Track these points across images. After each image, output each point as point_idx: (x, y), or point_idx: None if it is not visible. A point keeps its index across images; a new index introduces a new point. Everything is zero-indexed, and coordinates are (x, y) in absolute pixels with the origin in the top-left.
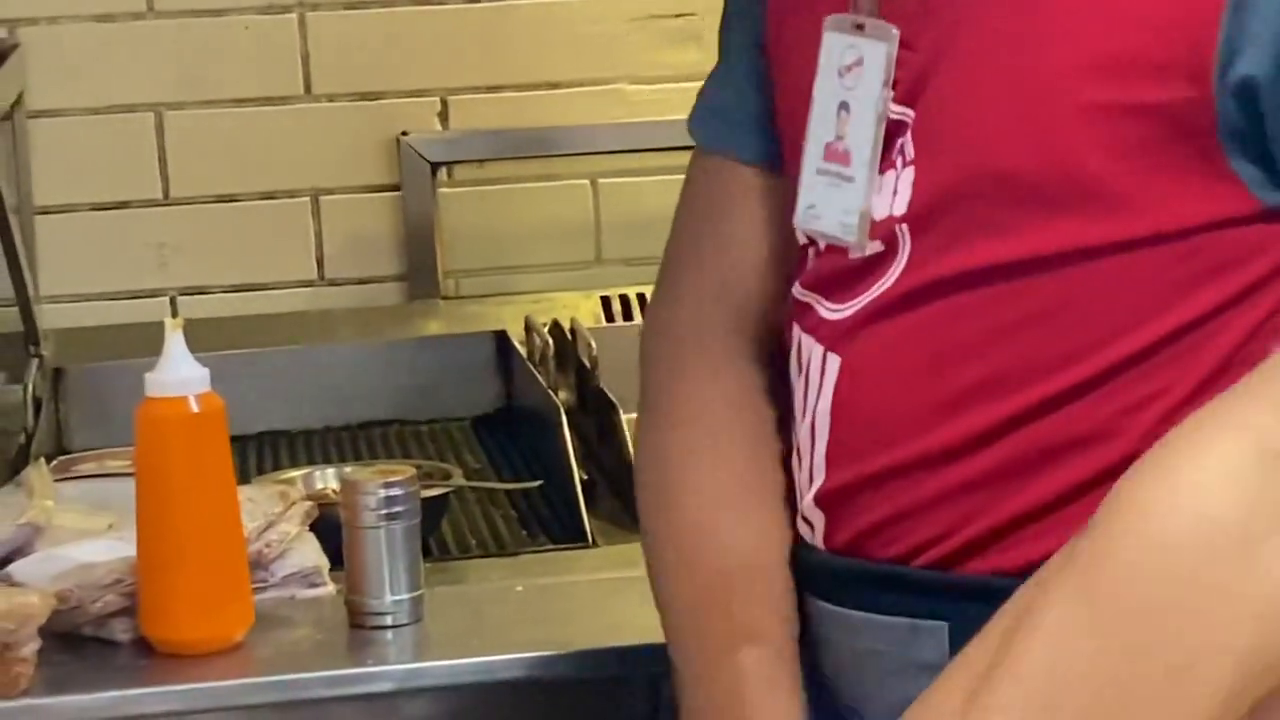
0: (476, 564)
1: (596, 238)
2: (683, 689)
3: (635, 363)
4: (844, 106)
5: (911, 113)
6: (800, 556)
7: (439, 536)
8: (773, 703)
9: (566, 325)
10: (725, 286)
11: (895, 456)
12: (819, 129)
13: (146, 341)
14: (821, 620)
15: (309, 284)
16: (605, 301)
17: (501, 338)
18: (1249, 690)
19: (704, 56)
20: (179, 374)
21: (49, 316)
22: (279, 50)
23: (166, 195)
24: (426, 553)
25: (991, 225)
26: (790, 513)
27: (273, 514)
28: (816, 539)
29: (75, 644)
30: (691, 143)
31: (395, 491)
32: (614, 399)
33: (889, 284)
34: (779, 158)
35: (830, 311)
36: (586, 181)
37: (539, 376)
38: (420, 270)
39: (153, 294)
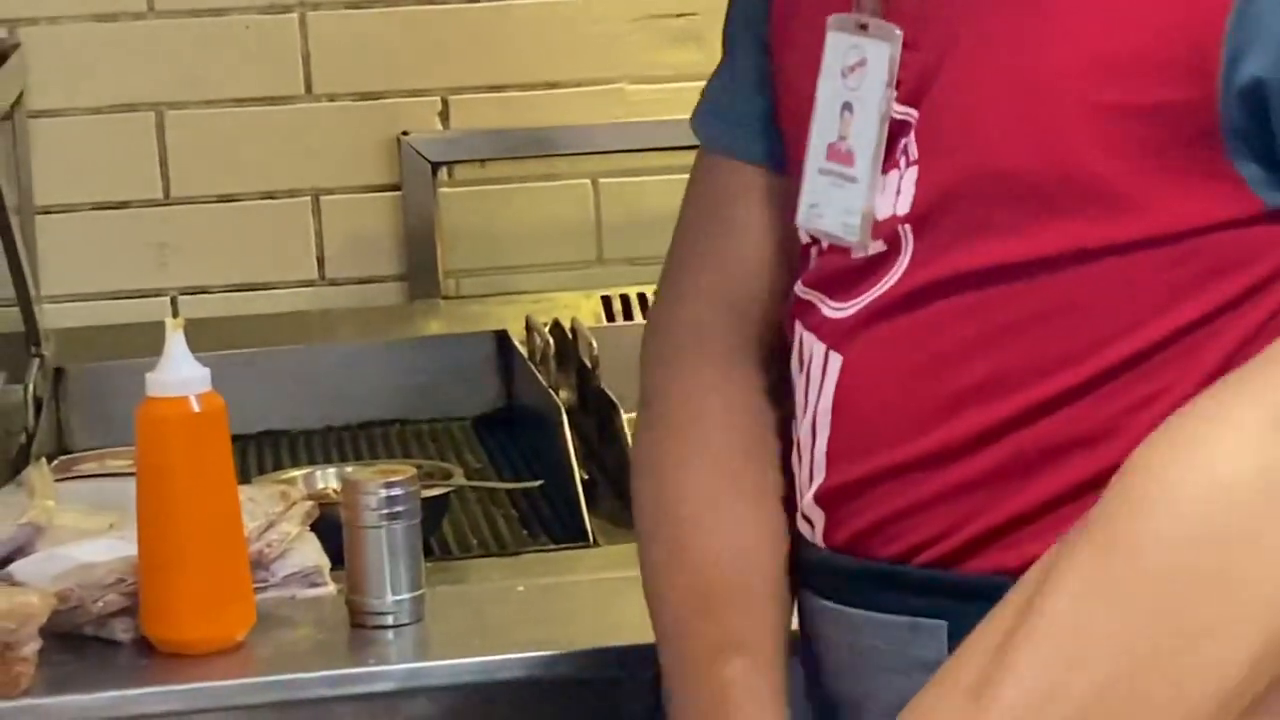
0: (477, 564)
1: (597, 237)
2: (670, 694)
3: (636, 362)
4: (847, 106)
5: (915, 113)
6: (800, 554)
7: (440, 536)
8: (757, 715)
9: (567, 325)
10: (728, 287)
11: (895, 455)
12: (822, 129)
13: (147, 341)
14: (820, 618)
15: (310, 284)
16: (606, 301)
17: (502, 337)
18: (1274, 654)
19: (705, 56)
20: (180, 374)
21: (50, 316)
22: (280, 50)
23: (167, 195)
24: (427, 552)
25: (993, 226)
26: (787, 516)
27: (273, 514)
28: (816, 537)
29: (76, 644)
30: (692, 142)
31: (396, 491)
32: (615, 399)
33: (891, 283)
34: (782, 157)
35: (832, 310)
36: (587, 181)
37: (540, 376)
38: (421, 270)
39: (153, 294)
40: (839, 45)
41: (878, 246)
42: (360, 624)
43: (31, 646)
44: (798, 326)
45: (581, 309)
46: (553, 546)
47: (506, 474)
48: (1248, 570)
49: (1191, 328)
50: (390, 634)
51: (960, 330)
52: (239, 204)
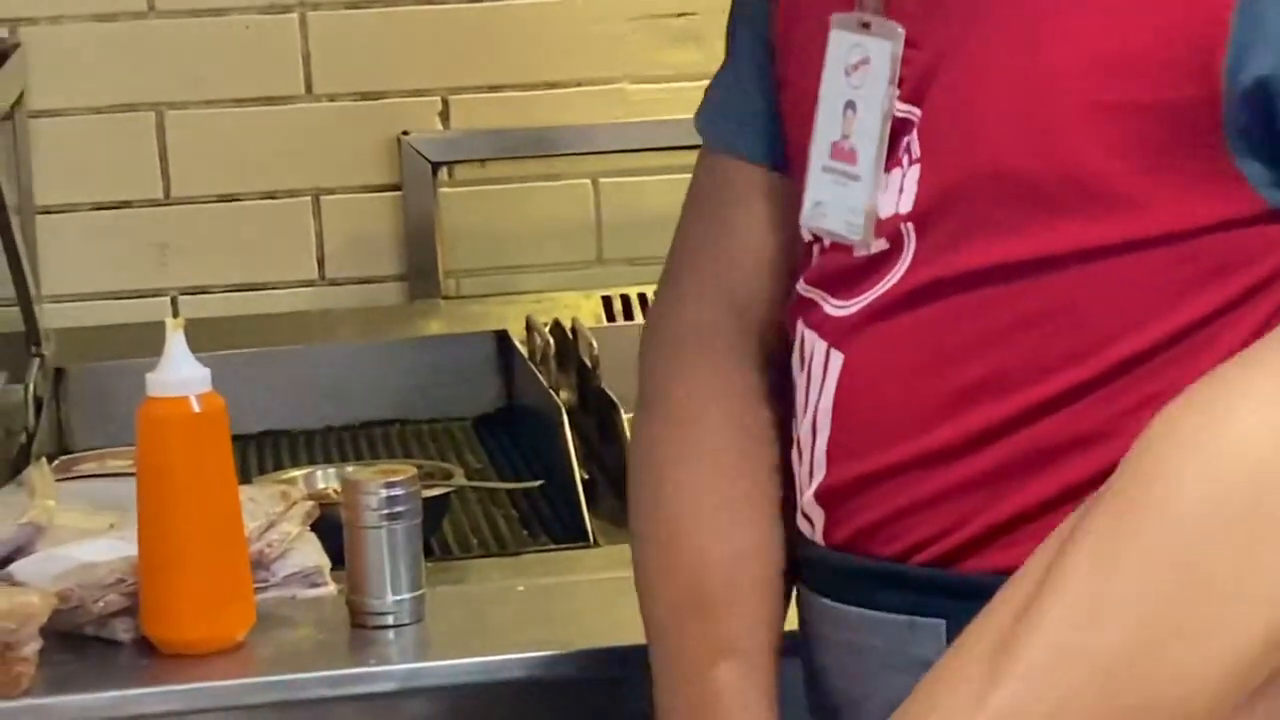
0: (478, 564)
1: (598, 237)
2: (658, 696)
3: (636, 362)
4: (850, 105)
5: (918, 111)
6: (800, 553)
7: (440, 536)
8: (745, 719)
9: (568, 325)
10: (728, 287)
11: (895, 454)
12: (825, 127)
13: (148, 341)
14: (820, 617)
15: (310, 284)
16: (606, 301)
17: (502, 337)
18: None
19: (705, 56)
20: (180, 374)
21: (50, 316)
22: (280, 50)
23: (167, 195)
24: (428, 552)
25: (994, 225)
26: (786, 517)
27: (274, 514)
28: (816, 535)
29: (77, 644)
30: (693, 142)
31: (396, 491)
32: (615, 399)
33: (893, 282)
34: (783, 157)
35: (834, 308)
36: (588, 181)
37: (540, 376)
38: (421, 270)
39: (154, 293)
40: (841, 43)
41: (880, 245)
42: (361, 624)
43: (32, 646)
44: (799, 324)
45: (582, 309)
46: (553, 546)
47: (507, 474)
48: (1268, 532)
49: (1193, 327)
50: (391, 634)
51: (961, 329)
52: (239, 204)
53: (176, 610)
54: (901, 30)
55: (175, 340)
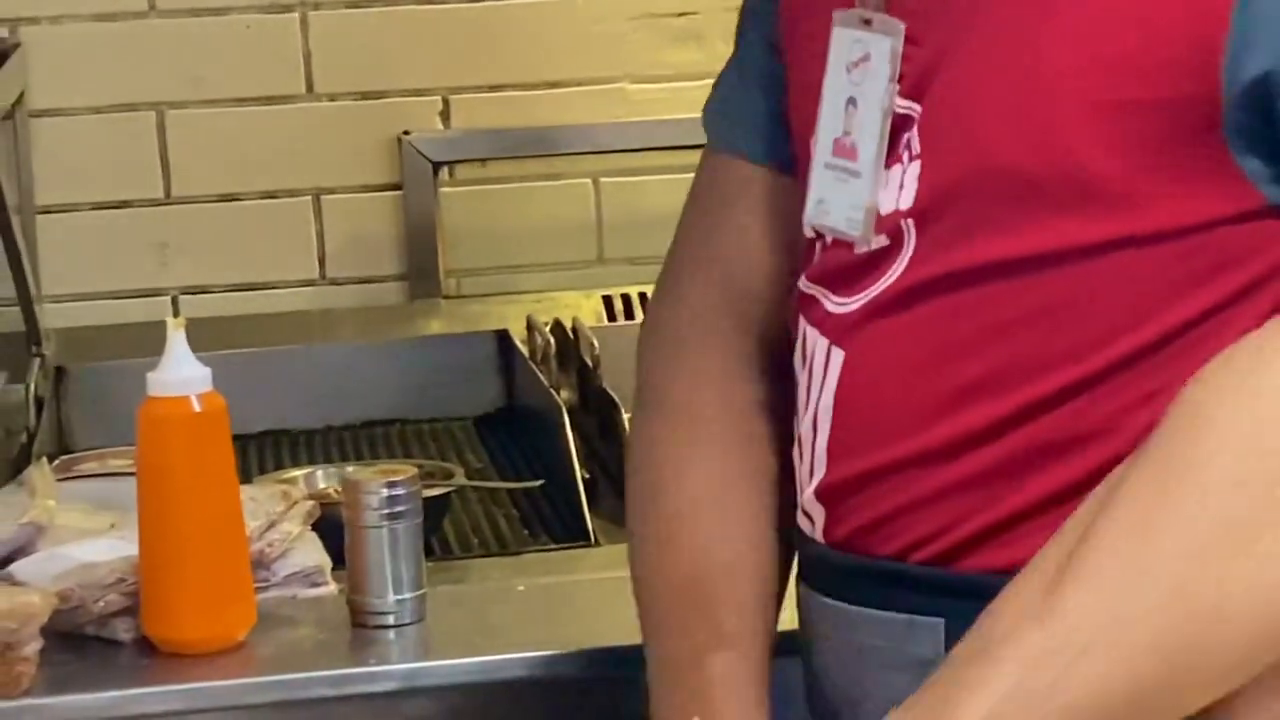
0: (478, 563)
1: (598, 237)
2: (652, 687)
3: (636, 360)
4: (852, 102)
5: (918, 108)
6: (800, 551)
7: (441, 536)
8: (738, 710)
9: (568, 324)
10: (729, 287)
11: (895, 452)
12: (828, 124)
13: (148, 341)
14: (820, 615)
15: (310, 283)
16: (607, 301)
17: (503, 337)
18: None
19: (706, 55)
20: (181, 373)
21: (51, 316)
22: (281, 49)
23: (168, 194)
24: (428, 552)
25: (994, 222)
26: (783, 518)
27: (275, 513)
28: (816, 533)
29: (77, 643)
30: (693, 141)
31: (397, 491)
32: (616, 398)
33: (893, 279)
34: (785, 158)
35: (835, 305)
36: (588, 180)
37: (541, 376)
38: (422, 269)
39: (154, 293)
40: (843, 40)
41: (880, 241)
42: (361, 624)
43: (33, 646)
44: (801, 322)
45: (582, 308)
46: (554, 546)
47: (508, 474)
48: None
49: (1192, 324)
50: (391, 634)
51: (961, 326)
52: (240, 203)
53: (177, 610)
54: (902, 26)
55: (176, 340)
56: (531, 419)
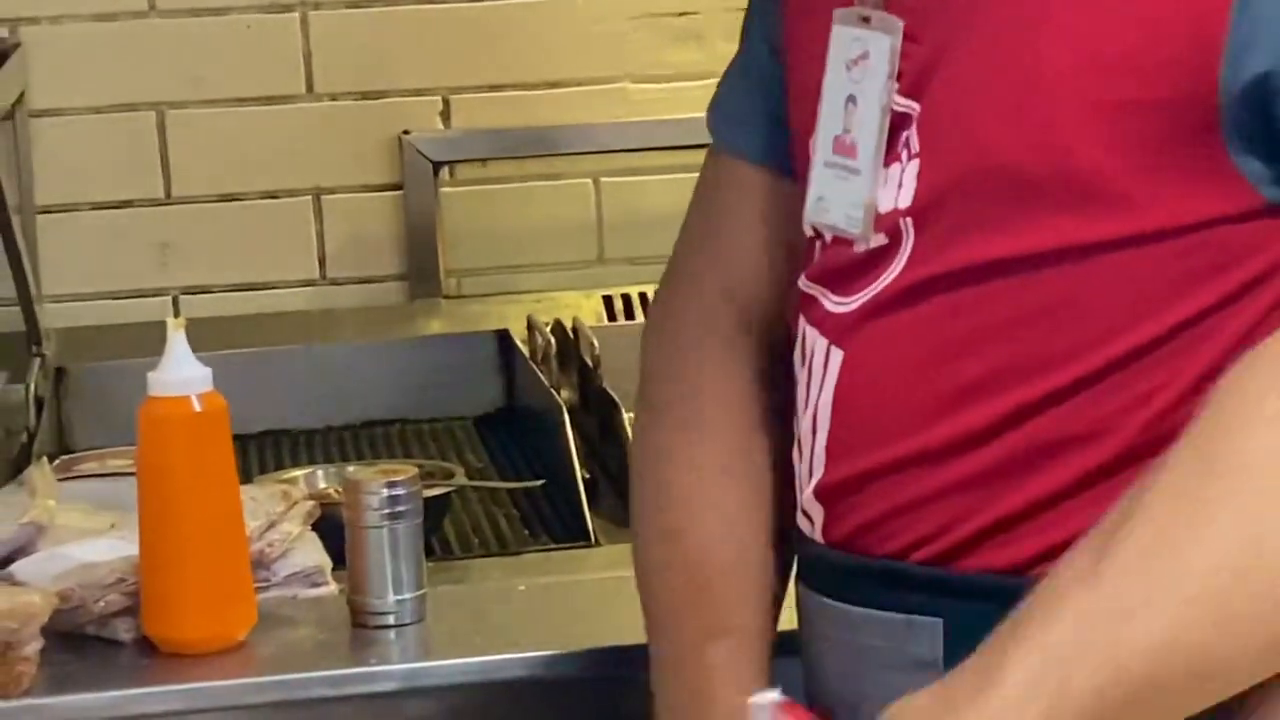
0: (479, 563)
1: (599, 237)
2: (654, 678)
3: (638, 362)
4: (851, 100)
5: (917, 106)
6: (799, 550)
7: (441, 536)
8: (738, 696)
9: (569, 324)
10: (731, 287)
11: (894, 451)
12: (828, 122)
13: (149, 341)
14: (819, 615)
15: (311, 283)
16: (607, 300)
17: (504, 337)
18: None
19: (706, 55)
20: (181, 373)
21: (51, 316)
22: (281, 49)
23: (168, 194)
24: (429, 552)
25: (992, 221)
26: (781, 517)
27: (275, 513)
28: (816, 533)
29: (78, 643)
30: (693, 141)
31: (398, 491)
32: (616, 398)
33: (891, 278)
34: (788, 160)
35: (834, 305)
36: (589, 180)
37: (541, 376)
38: (422, 269)
39: (155, 293)
40: (843, 38)
41: (879, 239)
42: (362, 624)
43: (33, 646)
44: (801, 321)
45: (583, 308)
46: (554, 546)
47: (508, 474)
48: None
49: (1191, 322)
50: (392, 634)
51: (959, 326)
52: (240, 203)
53: (177, 610)
54: (900, 24)
55: (176, 340)
56: (532, 419)
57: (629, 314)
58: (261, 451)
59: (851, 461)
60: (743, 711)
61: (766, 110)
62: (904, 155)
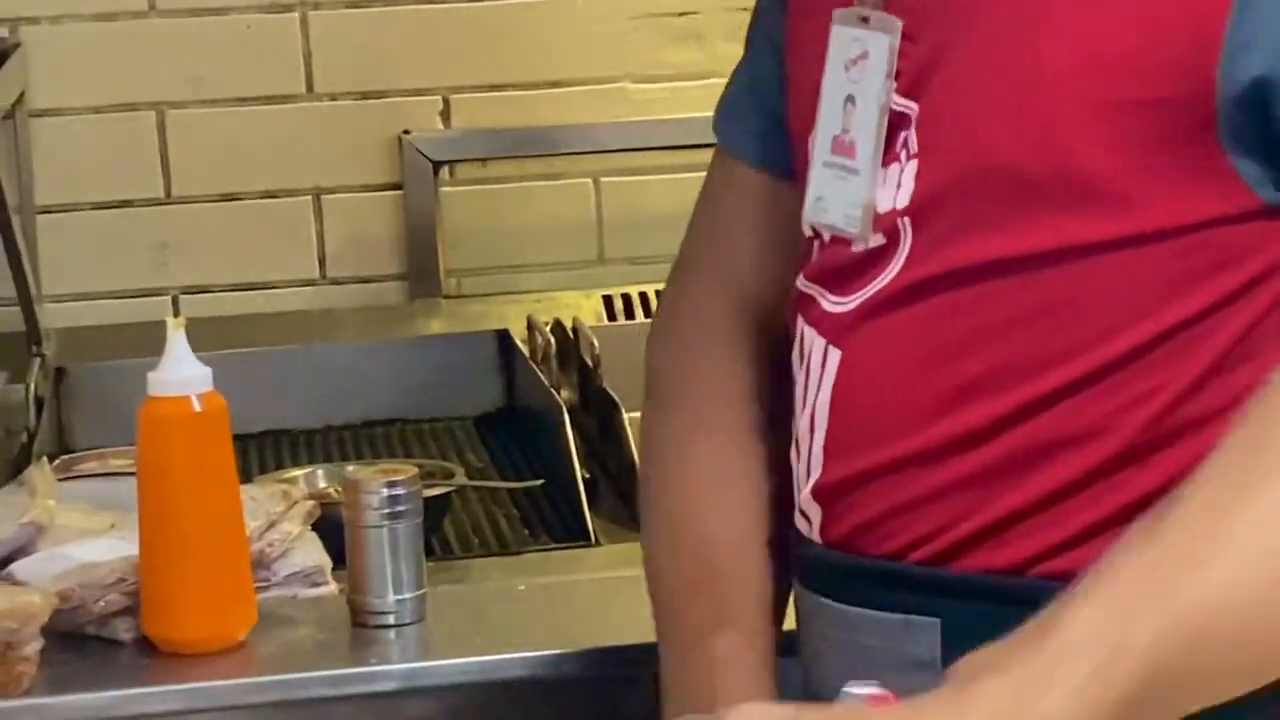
0: (479, 563)
1: (599, 236)
2: (663, 669)
3: (638, 362)
4: (850, 100)
5: (915, 106)
6: (797, 551)
7: (441, 536)
8: (745, 686)
9: (569, 324)
10: (734, 288)
11: (892, 451)
12: (827, 122)
13: (149, 341)
14: (817, 615)
15: (311, 283)
16: (607, 300)
17: (504, 337)
18: None
19: (706, 55)
20: (181, 373)
21: (51, 316)
22: (281, 49)
23: (168, 194)
24: (429, 552)
25: (991, 221)
26: (783, 516)
27: (275, 513)
28: (813, 533)
29: (78, 643)
30: (692, 142)
31: (398, 491)
32: (616, 398)
33: (889, 278)
34: (787, 164)
35: (832, 304)
36: (589, 180)
37: (541, 375)
38: (422, 269)
39: (155, 293)
40: (842, 38)
41: (878, 239)
42: (362, 623)
43: (33, 646)
44: (799, 321)
45: (583, 308)
46: (554, 546)
47: (508, 473)
48: None
49: (1189, 322)
50: (392, 633)
51: (956, 326)
52: (240, 203)
53: (177, 610)
54: (899, 23)
55: (176, 339)
56: (531, 419)
57: (629, 314)
58: (261, 451)
59: (849, 461)
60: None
61: (767, 112)
62: (903, 155)
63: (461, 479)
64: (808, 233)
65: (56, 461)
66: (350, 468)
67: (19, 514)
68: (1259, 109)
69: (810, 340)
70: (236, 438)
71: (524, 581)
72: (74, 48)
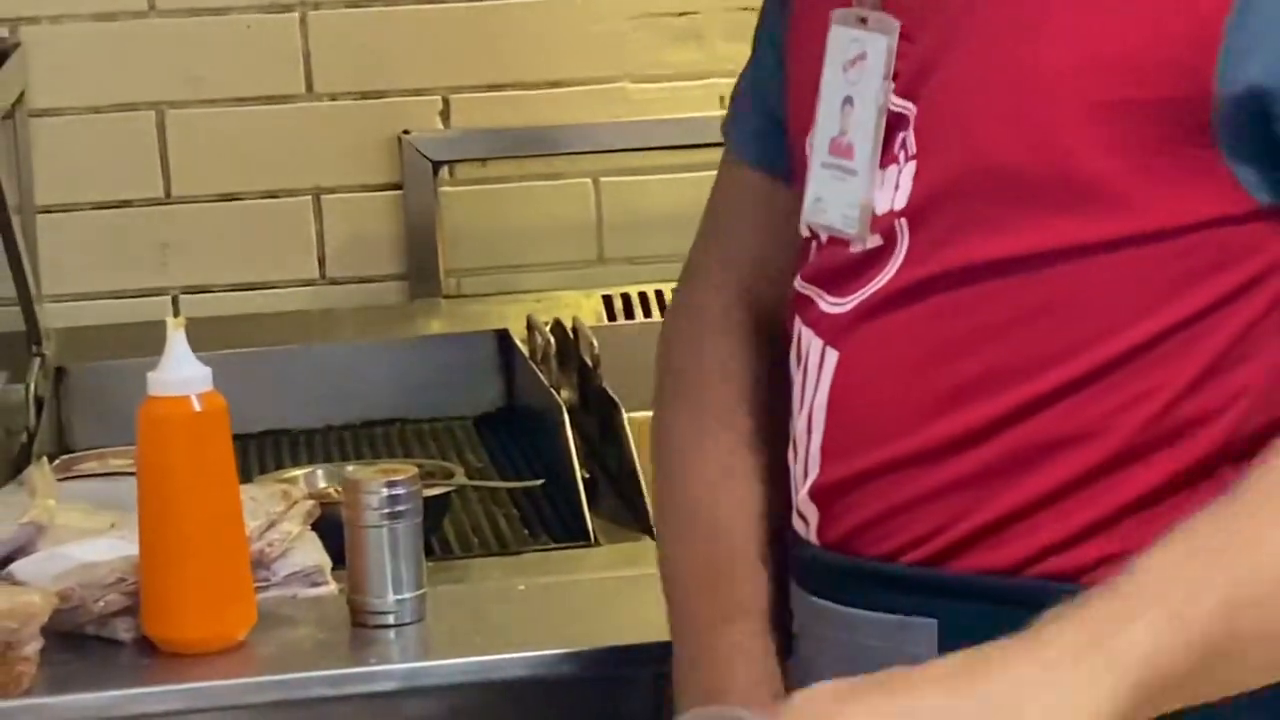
0: (479, 563)
1: (598, 236)
2: (675, 657)
3: (638, 361)
4: (848, 101)
5: (913, 107)
6: (794, 552)
7: (441, 535)
8: (757, 676)
9: (568, 324)
10: (741, 289)
11: (888, 452)
12: (825, 124)
13: (149, 340)
14: (814, 616)
15: (311, 283)
16: (607, 300)
17: (503, 336)
18: None
19: (706, 55)
20: (181, 373)
21: (51, 316)
22: (281, 49)
23: (168, 194)
24: (429, 552)
25: (988, 221)
26: (779, 514)
27: (275, 513)
28: (811, 534)
29: (78, 643)
30: (692, 142)
31: (397, 490)
32: (616, 398)
33: (886, 279)
34: (787, 167)
35: (830, 305)
36: (588, 180)
37: (541, 375)
38: (422, 269)
39: (155, 293)
40: (840, 39)
41: (875, 240)
42: (361, 623)
43: (33, 646)
44: (797, 321)
45: (583, 308)
46: (554, 546)
47: (508, 473)
48: None
49: (1185, 324)
50: (391, 633)
51: (954, 326)
52: (240, 203)
53: (177, 610)
54: (897, 24)
55: (176, 339)
56: (531, 419)
57: (629, 314)
58: (261, 451)
59: (846, 462)
60: (758, 691)
61: (767, 112)
62: (901, 157)
63: (461, 479)
64: (805, 233)
65: (56, 461)
66: (350, 468)
67: (19, 514)
68: (1257, 116)
69: (808, 341)
70: (236, 438)
71: (524, 581)
72: (74, 47)
